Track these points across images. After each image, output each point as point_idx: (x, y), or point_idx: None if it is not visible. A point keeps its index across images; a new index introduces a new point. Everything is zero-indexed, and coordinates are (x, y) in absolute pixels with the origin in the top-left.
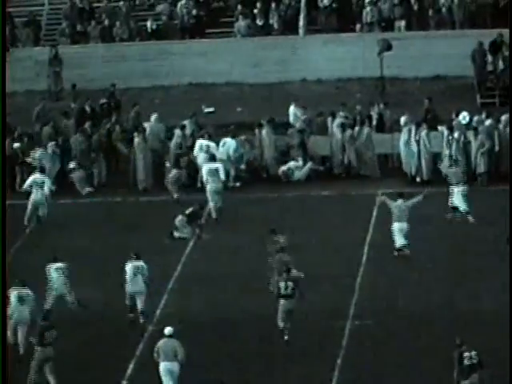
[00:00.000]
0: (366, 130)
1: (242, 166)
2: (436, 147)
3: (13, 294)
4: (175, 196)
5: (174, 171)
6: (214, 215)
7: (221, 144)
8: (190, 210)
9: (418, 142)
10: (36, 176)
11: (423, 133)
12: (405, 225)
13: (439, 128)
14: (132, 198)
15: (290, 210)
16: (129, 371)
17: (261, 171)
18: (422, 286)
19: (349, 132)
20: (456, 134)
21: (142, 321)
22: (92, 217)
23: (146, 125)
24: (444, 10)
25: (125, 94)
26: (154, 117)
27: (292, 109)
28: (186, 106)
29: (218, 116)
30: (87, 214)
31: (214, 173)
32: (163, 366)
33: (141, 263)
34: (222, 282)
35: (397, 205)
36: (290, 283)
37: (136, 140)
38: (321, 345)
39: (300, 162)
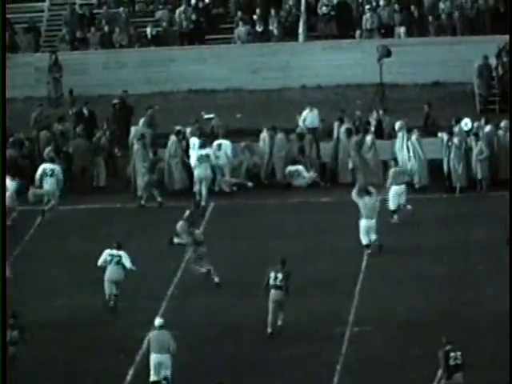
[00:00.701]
0: (369, 136)
1: (227, 178)
2: (434, 153)
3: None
4: (147, 199)
5: (147, 176)
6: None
7: (215, 148)
8: (187, 212)
9: (408, 147)
10: (45, 165)
11: (413, 138)
12: (373, 222)
13: (439, 134)
14: (132, 204)
15: (291, 217)
16: (128, 377)
17: (265, 178)
18: (422, 293)
19: (354, 138)
20: (456, 140)
21: (112, 303)
22: (91, 222)
23: (133, 128)
24: (444, 16)
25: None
26: (141, 121)
27: (305, 113)
28: (185, 112)
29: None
30: (86, 220)
31: (204, 159)
32: (154, 358)
33: (119, 252)
34: (222, 288)
35: (364, 202)
36: (279, 275)
37: (135, 147)
38: (320, 351)
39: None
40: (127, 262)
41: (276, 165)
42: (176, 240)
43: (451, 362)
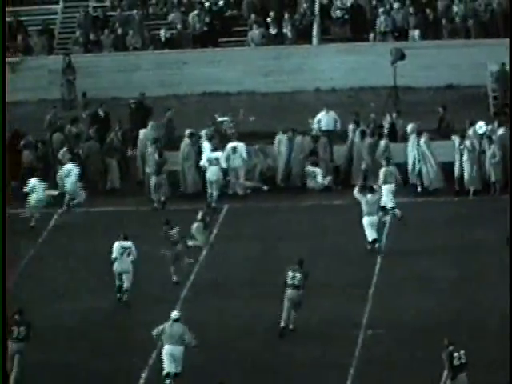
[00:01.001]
0: (383, 141)
1: (241, 180)
2: (447, 156)
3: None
4: (158, 202)
5: (154, 178)
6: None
7: (229, 151)
8: (200, 214)
9: (418, 150)
10: (64, 167)
11: (422, 141)
12: (375, 218)
13: (452, 137)
14: (145, 206)
15: (304, 219)
16: (141, 381)
17: (282, 180)
18: (434, 295)
19: (368, 140)
20: (468, 143)
21: (125, 298)
22: (104, 225)
23: (141, 131)
24: (457, 19)
25: (127, 103)
26: (150, 124)
27: (321, 115)
28: (199, 114)
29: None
30: (99, 222)
31: (214, 162)
32: (167, 349)
33: (128, 243)
34: (235, 289)
35: (366, 199)
36: (297, 274)
37: (149, 150)
38: (333, 353)
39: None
40: (135, 254)
41: (294, 167)
42: (190, 242)
43: (455, 362)
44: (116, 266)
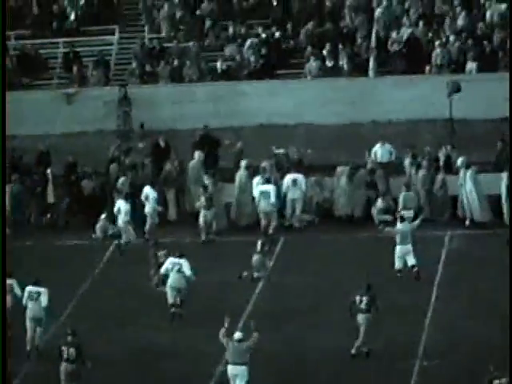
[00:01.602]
0: (440, 175)
1: (298, 213)
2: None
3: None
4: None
5: (204, 212)
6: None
7: (289, 183)
8: (259, 244)
9: (466, 183)
10: (119, 202)
11: (468, 174)
12: (409, 247)
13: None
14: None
15: (363, 251)
16: None
17: (339, 212)
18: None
19: (422, 172)
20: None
21: (175, 311)
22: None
23: (190, 163)
24: None
25: (194, 134)
26: (197, 154)
27: (377, 147)
28: (256, 147)
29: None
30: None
31: (266, 195)
32: (230, 370)
33: (180, 261)
34: (292, 319)
35: (399, 228)
36: (364, 298)
37: (206, 182)
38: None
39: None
40: (187, 271)
41: (356, 201)
42: (256, 274)
43: None
44: (168, 282)
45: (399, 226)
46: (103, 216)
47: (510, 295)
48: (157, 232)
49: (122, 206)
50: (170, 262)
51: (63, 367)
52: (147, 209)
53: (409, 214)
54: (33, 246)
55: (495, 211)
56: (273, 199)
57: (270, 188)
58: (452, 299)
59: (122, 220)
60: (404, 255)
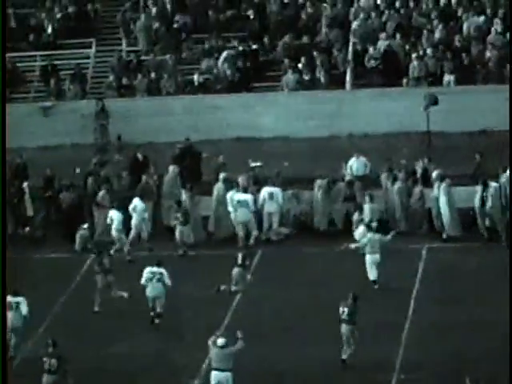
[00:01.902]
0: (418, 188)
1: (275, 226)
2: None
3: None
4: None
5: (180, 228)
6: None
7: (266, 196)
8: (240, 257)
9: (440, 196)
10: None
11: (442, 187)
12: (377, 256)
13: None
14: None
15: (337, 265)
16: None
17: (320, 225)
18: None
19: (398, 184)
20: (492, 190)
21: (157, 322)
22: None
23: (165, 178)
24: (491, 64)
25: (172, 147)
26: (171, 168)
27: (352, 161)
28: (233, 160)
29: (264, 170)
30: (132, 267)
31: (244, 203)
32: (214, 376)
33: (160, 270)
34: (270, 335)
35: (368, 238)
36: (345, 309)
37: (183, 197)
38: None
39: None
40: (167, 279)
41: (334, 214)
42: (234, 288)
43: None
44: (148, 292)
45: (368, 235)
46: (83, 229)
47: (509, 294)
48: (134, 246)
49: (114, 215)
50: (149, 271)
51: (45, 379)
52: (134, 220)
53: (375, 224)
54: (10, 258)
55: (468, 225)
56: (252, 207)
57: (248, 197)
58: (429, 312)
59: (115, 229)
60: (373, 263)
